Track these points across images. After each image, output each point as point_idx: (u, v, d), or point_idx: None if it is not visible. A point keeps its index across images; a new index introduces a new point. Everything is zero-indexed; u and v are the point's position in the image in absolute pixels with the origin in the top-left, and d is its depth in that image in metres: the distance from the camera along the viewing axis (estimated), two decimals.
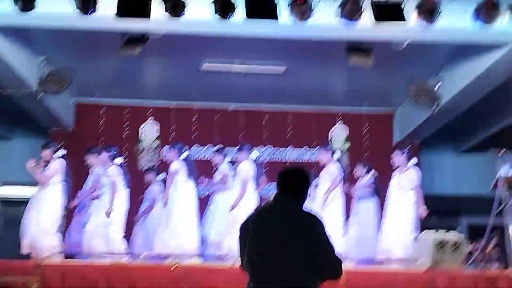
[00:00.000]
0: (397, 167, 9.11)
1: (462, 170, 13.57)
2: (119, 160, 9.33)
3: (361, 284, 6.98)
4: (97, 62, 10.34)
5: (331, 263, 3.49)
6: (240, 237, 3.63)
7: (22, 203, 13.76)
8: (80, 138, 12.12)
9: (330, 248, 3.47)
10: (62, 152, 8.93)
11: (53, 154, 8.80)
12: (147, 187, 10.56)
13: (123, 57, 8.86)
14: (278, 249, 3.40)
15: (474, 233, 12.61)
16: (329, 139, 12.71)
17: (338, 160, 9.34)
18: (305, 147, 12.69)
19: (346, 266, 7.64)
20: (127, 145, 12.43)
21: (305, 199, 3.70)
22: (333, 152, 9.37)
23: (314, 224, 3.49)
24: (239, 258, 3.66)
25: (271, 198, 3.72)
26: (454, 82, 9.80)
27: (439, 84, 10.18)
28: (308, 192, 3.77)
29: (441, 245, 7.25)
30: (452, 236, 7.50)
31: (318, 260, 3.41)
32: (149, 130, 12.63)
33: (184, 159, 9.20)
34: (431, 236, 7.41)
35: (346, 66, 9.39)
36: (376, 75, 10.34)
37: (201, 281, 6.96)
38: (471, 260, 8.32)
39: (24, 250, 8.57)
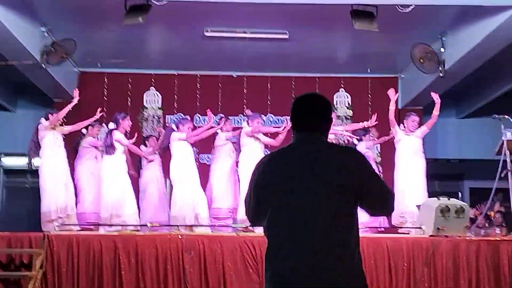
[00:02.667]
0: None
1: (465, 135, 13.59)
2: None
3: (365, 250, 7.06)
4: (100, 31, 10.28)
5: (386, 198, 2.99)
6: (256, 186, 3.00)
7: (25, 173, 13.99)
8: (84, 107, 12.10)
9: (382, 181, 3.00)
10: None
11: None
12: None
13: (126, 26, 8.81)
14: (323, 191, 2.82)
15: (477, 196, 12.73)
16: (333, 104, 12.69)
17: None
18: None
19: None
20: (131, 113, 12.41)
21: (328, 130, 3.12)
22: None
23: (361, 158, 2.99)
24: (250, 208, 3.06)
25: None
26: (458, 46, 9.76)
27: (443, 48, 10.13)
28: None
29: (444, 211, 7.31)
30: (455, 202, 7.55)
31: (372, 198, 2.92)
32: (152, 99, 12.62)
33: None
34: (435, 202, 7.46)
35: (349, 31, 9.35)
36: (380, 39, 10.26)
37: (207, 250, 7.04)
38: (474, 225, 8.38)
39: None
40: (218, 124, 9.72)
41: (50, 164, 8.80)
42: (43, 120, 9.04)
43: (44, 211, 8.68)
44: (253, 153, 9.09)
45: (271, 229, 2.90)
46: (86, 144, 9.58)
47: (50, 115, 9.04)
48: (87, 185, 9.42)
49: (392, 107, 9.18)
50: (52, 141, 8.90)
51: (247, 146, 9.30)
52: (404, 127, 9.26)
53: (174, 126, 9.46)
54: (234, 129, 10.01)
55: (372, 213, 3.08)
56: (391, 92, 9.21)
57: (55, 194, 8.69)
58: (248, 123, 9.48)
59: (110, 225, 8.60)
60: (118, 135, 9.07)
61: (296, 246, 2.79)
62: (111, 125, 9.27)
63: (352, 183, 2.86)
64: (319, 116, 3.05)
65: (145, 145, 10.17)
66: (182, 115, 12.41)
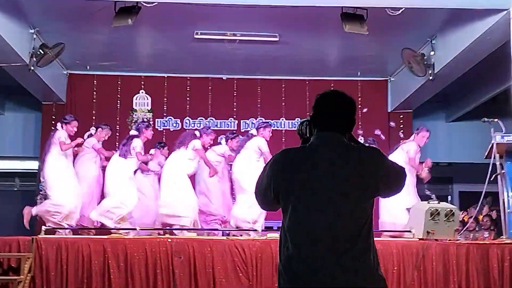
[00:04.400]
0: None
1: (454, 138, 13.62)
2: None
3: None
4: (89, 33, 10.23)
5: (401, 181, 3.03)
6: (274, 181, 2.94)
7: (13, 176, 13.94)
8: (73, 110, 12.05)
9: (396, 167, 3.02)
10: None
11: None
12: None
13: (115, 28, 8.78)
14: (342, 192, 2.81)
15: (466, 200, 12.76)
16: None
17: None
18: (297, 119, 12.69)
19: None
20: (120, 116, 12.37)
21: (350, 131, 3.04)
22: None
23: (379, 156, 2.97)
24: (265, 199, 3.03)
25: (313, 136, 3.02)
26: (448, 49, 9.77)
27: (433, 51, 10.15)
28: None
29: (434, 215, 7.31)
30: (445, 206, 7.56)
31: (390, 189, 3.00)
32: (142, 102, 12.58)
33: None
34: (425, 206, 7.47)
35: (339, 34, 9.38)
36: (370, 42, 10.26)
37: (196, 253, 7.01)
38: (464, 229, 8.40)
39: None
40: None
41: (60, 169, 8.80)
42: (59, 127, 9.01)
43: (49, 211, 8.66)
44: (249, 158, 9.10)
45: (291, 230, 2.86)
46: (88, 145, 9.46)
47: (64, 125, 8.97)
48: (82, 186, 9.30)
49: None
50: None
51: (244, 151, 9.28)
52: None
53: (197, 133, 9.41)
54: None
55: (387, 197, 3.13)
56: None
57: (67, 199, 8.69)
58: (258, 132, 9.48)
59: (96, 229, 8.56)
60: (136, 143, 9.09)
61: (316, 248, 2.78)
62: (133, 132, 9.34)
63: (372, 182, 2.88)
64: (341, 115, 3.01)
65: None
66: (172, 118, 12.38)
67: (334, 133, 2.97)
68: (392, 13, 8.53)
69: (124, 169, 9.06)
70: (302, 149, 3.03)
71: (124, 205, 8.89)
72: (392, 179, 2.99)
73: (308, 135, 3.09)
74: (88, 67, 12.14)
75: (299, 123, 3.19)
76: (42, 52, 9.72)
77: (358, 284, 2.75)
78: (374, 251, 2.86)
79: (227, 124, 12.17)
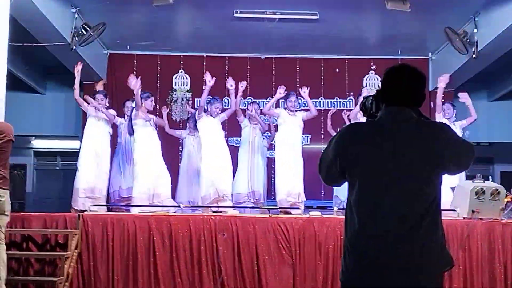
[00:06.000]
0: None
1: (496, 118, 13.40)
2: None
3: None
4: (129, 13, 10.28)
5: (469, 158, 2.92)
6: (341, 156, 2.88)
7: (55, 155, 14.15)
8: (113, 89, 12.14)
9: (464, 143, 2.93)
10: None
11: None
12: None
13: (155, 8, 8.80)
14: (411, 169, 2.74)
15: (507, 180, 12.58)
16: (363, 86, 12.55)
17: None
18: (336, 98, 12.63)
19: None
20: (160, 96, 12.42)
21: (419, 106, 2.94)
22: None
23: (448, 131, 2.89)
24: (330, 172, 2.97)
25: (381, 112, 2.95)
26: (492, 27, 9.60)
27: (476, 29, 9.98)
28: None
29: (479, 193, 7.23)
30: (490, 184, 7.47)
31: (458, 165, 2.93)
32: (181, 81, 12.63)
33: None
34: (470, 184, 7.39)
35: (379, 12, 9.28)
36: (411, 20, 10.14)
37: (240, 231, 7.06)
38: (509, 208, 8.29)
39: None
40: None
41: (88, 145, 8.88)
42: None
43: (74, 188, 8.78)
44: (289, 132, 9.12)
45: (356, 206, 2.80)
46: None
47: (86, 96, 9.16)
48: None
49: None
50: (93, 123, 9.03)
51: (284, 125, 9.28)
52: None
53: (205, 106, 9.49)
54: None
55: (455, 174, 3.07)
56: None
57: (86, 174, 8.76)
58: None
59: (142, 206, 8.57)
60: (141, 115, 9.08)
61: (382, 225, 2.71)
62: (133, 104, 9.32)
63: (441, 159, 2.80)
64: (411, 90, 2.91)
65: None
66: (211, 97, 12.40)
67: (403, 107, 2.88)
68: None
69: (149, 143, 9.02)
70: (370, 124, 2.98)
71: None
72: (462, 156, 2.91)
73: (374, 111, 3.03)
74: (128, 47, 12.20)
75: (363, 98, 3.14)
76: (84, 32, 9.79)
77: (425, 262, 2.70)
78: (441, 228, 2.80)
79: (266, 103, 12.13)
